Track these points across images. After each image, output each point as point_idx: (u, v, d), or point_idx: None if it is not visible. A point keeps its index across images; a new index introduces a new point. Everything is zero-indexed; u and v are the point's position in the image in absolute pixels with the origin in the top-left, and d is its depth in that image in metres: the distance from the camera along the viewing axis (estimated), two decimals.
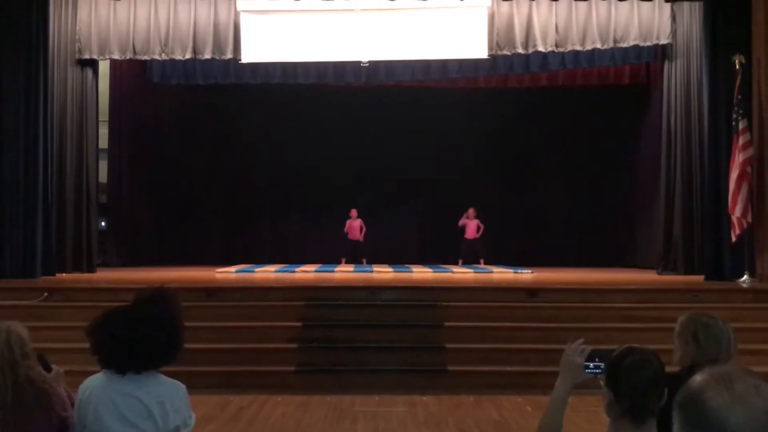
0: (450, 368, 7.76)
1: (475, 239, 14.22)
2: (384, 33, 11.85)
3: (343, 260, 14.21)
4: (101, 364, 2.84)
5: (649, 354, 2.30)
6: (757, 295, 9.08)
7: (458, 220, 14.32)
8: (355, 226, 14.45)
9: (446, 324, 8.33)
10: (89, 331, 2.84)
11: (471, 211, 14.29)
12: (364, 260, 14.30)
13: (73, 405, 2.99)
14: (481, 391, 7.27)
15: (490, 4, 11.55)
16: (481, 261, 14.02)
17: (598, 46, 11.68)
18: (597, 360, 2.42)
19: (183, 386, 2.92)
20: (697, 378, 1.31)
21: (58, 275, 10.81)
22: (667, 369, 3.23)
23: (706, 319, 3.26)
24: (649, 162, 13.53)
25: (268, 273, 12.49)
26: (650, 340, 6.66)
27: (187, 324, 3.00)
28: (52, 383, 3.11)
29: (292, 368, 7.73)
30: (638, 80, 14.25)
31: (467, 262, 14.07)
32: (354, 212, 14.50)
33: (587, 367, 2.44)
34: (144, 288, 2.98)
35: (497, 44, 11.73)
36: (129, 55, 11.91)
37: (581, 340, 2.51)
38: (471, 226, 14.27)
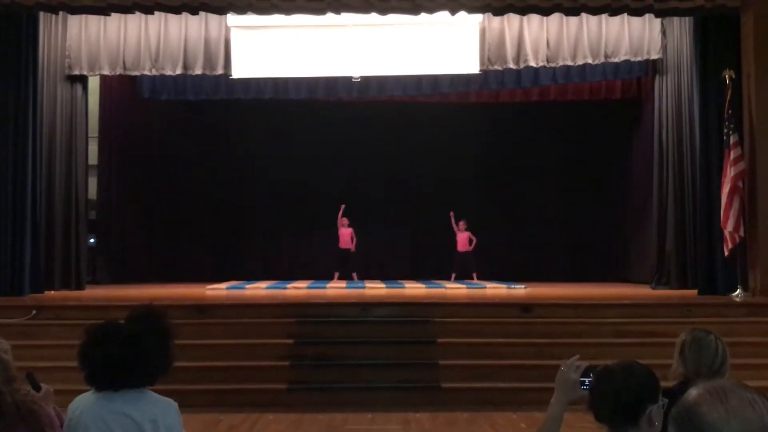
0: (443, 385, 7.69)
1: (467, 252, 14.09)
2: (375, 48, 11.87)
3: (336, 275, 14.06)
4: (87, 381, 2.79)
5: (640, 366, 2.29)
6: (750, 309, 9.07)
7: (451, 228, 14.16)
8: (345, 233, 14.12)
9: (439, 340, 8.27)
10: (79, 352, 2.80)
11: (462, 224, 14.20)
12: (355, 275, 14.14)
13: (62, 425, 2.93)
14: (476, 407, 7.22)
15: (481, 19, 11.60)
16: (474, 275, 13.93)
17: (590, 61, 11.73)
18: (592, 376, 2.40)
19: (175, 404, 2.87)
20: (693, 392, 1.31)
21: (46, 293, 10.70)
22: (664, 384, 3.23)
23: (697, 334, 3.28)
24: (642, 176, 13.57)
25: (259, 290, 12.40)
26: (644, 354, 6.63)
27: (177, 342, 2.96)
28: (40, 403, 3.04)
29: (284, 386, 7.65)
30: (629, 95, 14.31)
31: (460, 277, 14.00)
32: (345, 220, 14.13)
33: (583, 383, 2.41)
34: (135, 306, 2.95)
35: (488, 59, 11.76)
36: (119, 71, 11.87)
37: (576, 357, 2.49)
38: (462, 238, 14.13)
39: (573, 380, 2.43)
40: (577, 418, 2.53)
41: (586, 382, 2.40)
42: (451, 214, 14.10)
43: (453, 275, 14.03)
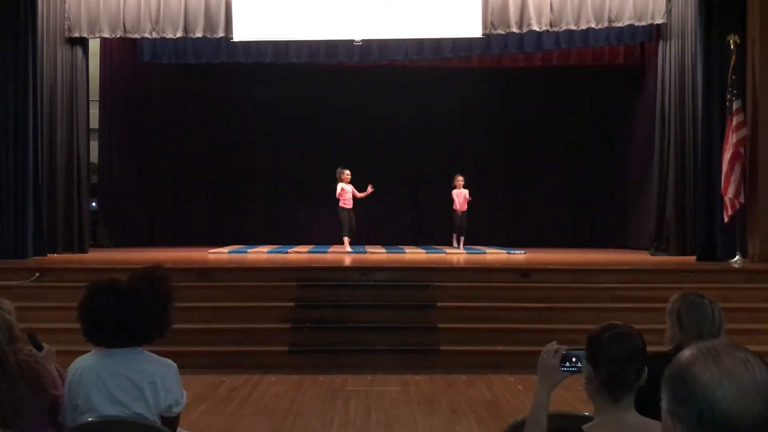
0: (442, 348, 7.78)
1: (464, 212, 13.30)
2: (377, 11, 11.75)
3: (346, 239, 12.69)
4: (85, 335, 2.84)
5: (631, 329, 2.34)
6: (748, 275, 9.12)
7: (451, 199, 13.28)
8: (348, 191, 12.71)
9: (439, 304, 8.34)
10: (79, 304, 2.85)
11: (459, 180, 13.19)
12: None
13: (64, 384, 2.98)
14: (474, 370, 7.31)
15: None
16: (462, 240, 13.32)
17: (593, 25, 11.61)
18: (572, 360, 2.47)
19: (174, 364, 2.92)
20: (686, 353, 1.30)
21: (49, 256, 10.76)
22: (658, 348, 3.27)
23: (692, 298, 3.27)
24: (643, 142, 13.53)
25: (261, 254, 12.47)
26: (642, 319, 6.69)
27: (179, 304, 3.00)
28: (43, 362, 3.09)
29: (284, 348, 7.74)
30: (632, 60, 14.20)
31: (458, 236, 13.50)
32: (347, 175, 12.56)
33: (562, 366, 2.49)
34: (141, 267, 2.99)
35: (492, 23, 11.65)
36: (119, 34, 11.78)
37: (554, 343, 2.55)
38: (460, 197, 13.26)
39: (552, 365, 2.49)
40: (574, 380, 2.58)
41: (567, 365, 2.48)
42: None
43: (455, 236, 13.39)
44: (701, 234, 10.48)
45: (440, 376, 7.15)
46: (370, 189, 12.51)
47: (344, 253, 12.03)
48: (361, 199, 12.64)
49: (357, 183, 13.05)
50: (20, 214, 10.40)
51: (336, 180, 12.52)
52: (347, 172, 12.53)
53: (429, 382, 6.94)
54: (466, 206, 13.26)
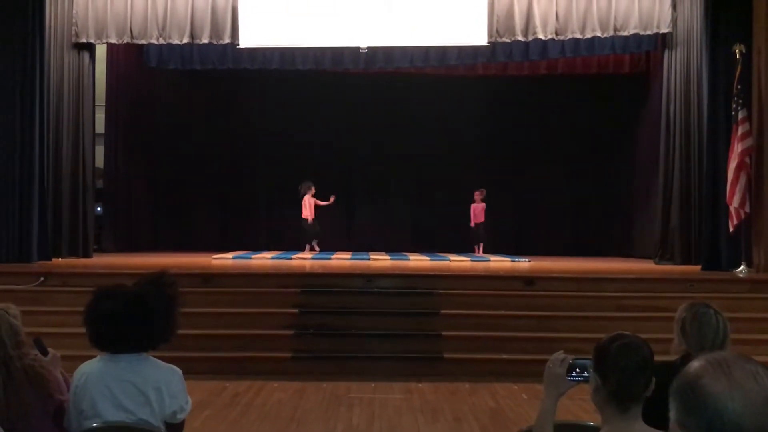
0: (446, 356, 7.77)
1: (479, 224, 13.83)
2: (383, 19, 11.78)
3: (308, 246, 13.64)
4: (90, 340, 2.84)
5: (639, 340, 2.33)
6: (753, 285, 9.09)
7: (467, 210, 13.80)
8: (310, 204, 13.52)
9: (442, 312, 8.34)
10: (85, 309, 2.84)
11: (477, 195, 13.80)
12: (316, 243, 13.66)
13: (69, 389, 2.98)
14: (477, 378, 7.30)
15: None
16: (481, 246, 13.82)
17: (598, 34, 11.62)
18: (578, 369, 2.47)
19: (179, 371, 2.92)
20: (695, 364, 1.30)
21: (54, 260, 10.79)
22: (665, 358, 3.26)
23: (698, 309, 3.27)
24: (648, 151, 13.51)
25: (264, 260, 12.48)
26: (646, 329, 6.68)
27: (183, 310, 3.00)
28: (48, 367, 3.10)
29: (288, 355, 7.73)
30: (638, 69, 14.20)
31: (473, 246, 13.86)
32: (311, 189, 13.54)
33: (569, 376, 2.48)
34: (147, 272, 2.99)
35: (497, 31, 11.67)
36: (126, 39, 11.82)
37: (560, 352, 2.55)
38: (478, 210, 13.76)
39: (558, 375, 2.50)
40: (578, 389, 2.57)
41: (573, 374, 2.48)
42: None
43: (475, 247, 13.83)
44: (706, 243, 10.46)
45: (444, 383, 7.14)
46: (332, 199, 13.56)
47: (345, 260, 12.11)
48: (328, 206, 13.65)
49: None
50: (25, 218, 10.43)
51: (304, 193, 13.53)
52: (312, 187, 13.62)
53: (432, 390, 6.93)
54: (482, 218, 13.71)
